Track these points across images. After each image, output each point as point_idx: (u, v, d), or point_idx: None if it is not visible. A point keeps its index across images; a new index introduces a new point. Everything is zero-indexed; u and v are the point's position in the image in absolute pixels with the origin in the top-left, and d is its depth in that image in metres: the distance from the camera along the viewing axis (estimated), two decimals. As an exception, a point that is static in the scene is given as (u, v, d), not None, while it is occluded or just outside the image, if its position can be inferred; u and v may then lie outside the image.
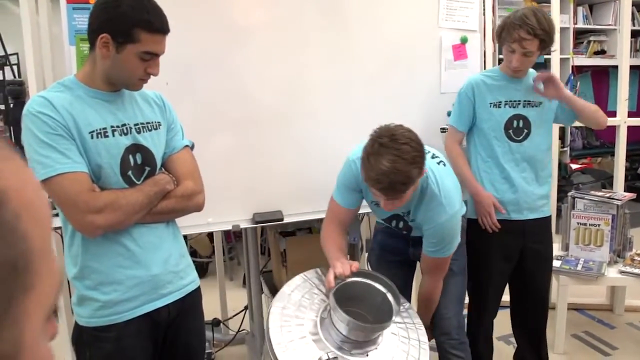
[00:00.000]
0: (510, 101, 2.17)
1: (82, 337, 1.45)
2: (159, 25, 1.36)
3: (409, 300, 2.09)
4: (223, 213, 2.29)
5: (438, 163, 1.79)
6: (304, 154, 2.01)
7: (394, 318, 1.62)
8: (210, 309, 3.10)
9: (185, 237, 3.84)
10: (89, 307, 1.42)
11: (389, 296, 1.68)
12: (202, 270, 3.91)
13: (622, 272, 2.79)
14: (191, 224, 2.23)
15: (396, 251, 2.05)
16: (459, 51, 2.50)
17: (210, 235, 3.94)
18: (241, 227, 2.28)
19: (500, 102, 2.17)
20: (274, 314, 1.65)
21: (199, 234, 3.74)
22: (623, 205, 2.86)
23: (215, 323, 2.80)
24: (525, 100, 2.18)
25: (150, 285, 1.45)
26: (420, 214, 1.78)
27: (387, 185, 1.53)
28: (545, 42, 2.01)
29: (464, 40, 2.49)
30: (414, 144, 1.55)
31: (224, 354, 2.86)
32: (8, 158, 0.31)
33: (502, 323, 2.53)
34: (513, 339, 2.57)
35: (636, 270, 2.77)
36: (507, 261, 2.28)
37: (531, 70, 2.23)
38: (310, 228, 2.61)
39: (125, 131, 1.42)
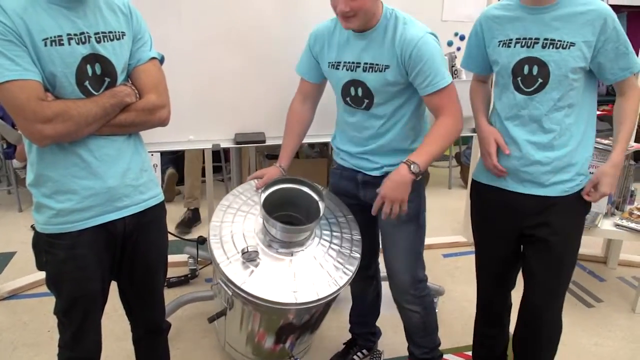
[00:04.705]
0: (524, 39, 1.65)
1: (39, 242, 1.47)
2: None
3: (377, 259, 2.12)
4: (205, 131, 2.26)
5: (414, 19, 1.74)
6: (290, 77, 1.94)
7: (313, 225, 1.75)
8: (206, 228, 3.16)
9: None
10: (44, 214, 1.42)
11: (320, 205, 1.78)
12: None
13: (617, 225, 2.71)
14: (171, 140, 2.23)
15: (348, 194, 1.95)
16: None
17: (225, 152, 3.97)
18: (221, 146, 2.25)
19: (511, 39, 1.67)
20: (218, 209, 1.83)
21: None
22: (628, 155, 2.73)
23: (201, 241, 2.83)
24: (546, 39, 1.61)
25: (105, 197, 1.44)
26: (387, 43, 1.70)
27: None
28: None
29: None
30: None
31: (209, 270, 2.91)
32: None
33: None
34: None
35: (632, 225, 2.68)
36: (504, 241, 1.83)
37: None
38: (298, 152, 2.57)
39: (83, 40, 1.36)
